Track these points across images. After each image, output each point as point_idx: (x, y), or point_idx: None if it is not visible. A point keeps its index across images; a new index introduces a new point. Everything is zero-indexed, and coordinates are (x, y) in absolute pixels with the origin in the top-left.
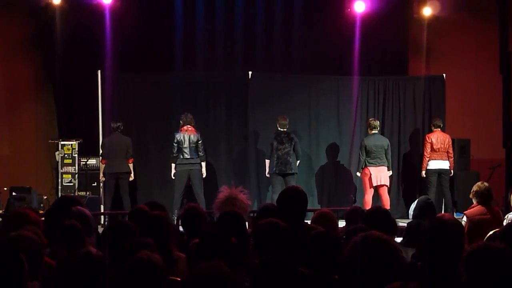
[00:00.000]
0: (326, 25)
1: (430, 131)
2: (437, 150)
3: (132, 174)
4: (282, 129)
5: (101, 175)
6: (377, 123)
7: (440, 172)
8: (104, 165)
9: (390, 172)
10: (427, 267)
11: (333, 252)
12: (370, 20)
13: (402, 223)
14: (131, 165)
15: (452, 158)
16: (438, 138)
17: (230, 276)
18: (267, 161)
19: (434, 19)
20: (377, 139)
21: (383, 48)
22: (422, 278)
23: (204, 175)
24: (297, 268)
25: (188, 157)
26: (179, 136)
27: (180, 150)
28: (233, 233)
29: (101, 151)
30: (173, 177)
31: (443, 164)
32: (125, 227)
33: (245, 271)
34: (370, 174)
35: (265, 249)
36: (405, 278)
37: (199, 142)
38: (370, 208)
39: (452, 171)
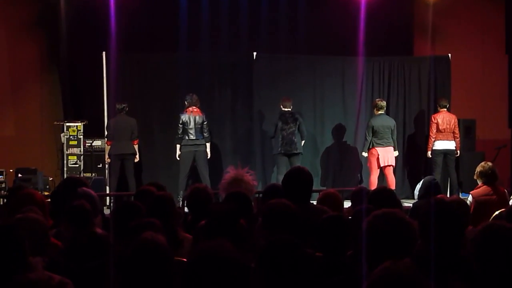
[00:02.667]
0: (331, 5)
1: (436, 111)
2: (443, 130)
3: (137, 155)
4: (286, 110)
5: (107, 156)
6: (384, 103)
7: (446, 153)
8: (109, 146)
9: (397, 153)
10: (431, 246)
11: (344, 235)
12: (375, 0)
13: (407, 203)
14: (136, 146)
15: (458, 139)
16: (444, 118)
17: (235, 255)
18: (273, 140)
19: None
20: (384, 120)
21: (388, 28)
22: (419, 256)
23: (209, 156)
24: (303, 249)
25: (193, 138)
26: (184, 117)
27: (185, 131)
28: (240, 213)
29: (106, 133)
30: (178, 158)
31: (449, 145)
32: (133, 208)
33: (251, 251)
34: (378, 155)
35: (273, 229)
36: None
37: (204, 123)
38: (375, 189)
39: (458, 151)
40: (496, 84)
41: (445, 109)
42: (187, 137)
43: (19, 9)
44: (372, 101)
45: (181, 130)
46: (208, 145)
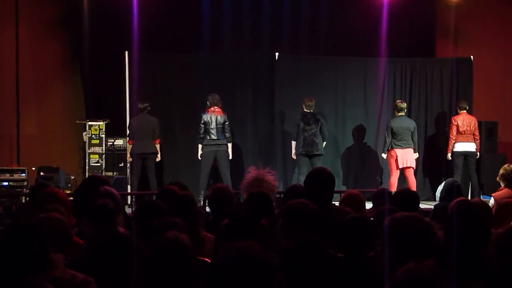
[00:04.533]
0: (353, 7)
1: (457, 113)
2: (463, 132)
3: (159, 155)
4: (308, 111)
5: (128, 155)
6: (404, 105)
7: (466, 155)
8: (131, 145)
9: (417, 155)
10: (454, 249)
11: (367, 236)
12: (397, 1)
13: (428, 205)
14: (158, 146)
15: (478, 141)
16: (464, 120)
17: (263, 255)
18: (293, 143)
19: (462, 1)
20: (403, 121)
21: (411, 30)
22: (444, 258)
23: (230, 156)
24: (326, 249)
25: (215, 138)
26: (206, 117)
27: (207, 131)
28: (261, 214)
29: (128, 132)
30: (200, 158)
31: (469, 147)
32: (155, 207)
33: (272, 251)
34: (397, 156)
35: (293, 230)
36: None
37: (226, 123)
38: (397, 190)
39: (478, 153)
40: None
41: (465, 111)
42: (208, 137)
43: (43, 8)
44: (394, 102)
45: (202, 130)
46: (229, 145)
